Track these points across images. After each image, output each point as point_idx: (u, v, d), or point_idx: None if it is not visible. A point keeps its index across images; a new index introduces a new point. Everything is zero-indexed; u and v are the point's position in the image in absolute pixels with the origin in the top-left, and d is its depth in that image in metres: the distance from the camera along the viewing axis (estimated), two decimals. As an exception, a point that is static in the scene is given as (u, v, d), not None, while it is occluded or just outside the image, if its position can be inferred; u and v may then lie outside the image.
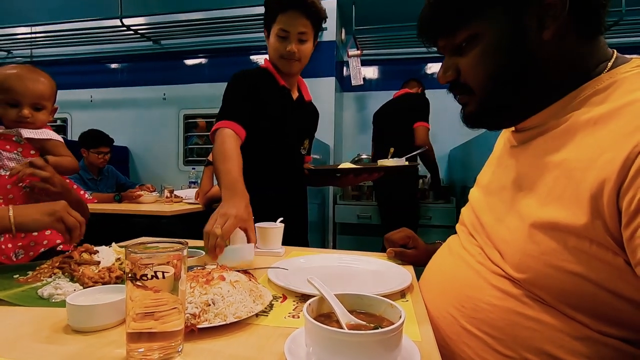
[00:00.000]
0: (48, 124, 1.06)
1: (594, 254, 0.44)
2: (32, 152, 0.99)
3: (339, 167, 1.32)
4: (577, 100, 0.52)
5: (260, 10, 3.01)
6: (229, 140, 1.07)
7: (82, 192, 1.08)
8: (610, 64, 0.52)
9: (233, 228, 0.81)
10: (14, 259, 0.88)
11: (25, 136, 0.97)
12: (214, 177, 2.37)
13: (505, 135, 0.70)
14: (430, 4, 0.59)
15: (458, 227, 0.73)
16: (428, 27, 0.61)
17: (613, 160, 0.41)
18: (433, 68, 3.35)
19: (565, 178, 0.47)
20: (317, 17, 1.19)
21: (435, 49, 0.63)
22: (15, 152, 0.96)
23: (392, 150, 1.63)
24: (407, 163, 1.42)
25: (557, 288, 0.47)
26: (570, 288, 0.46)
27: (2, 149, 0.95)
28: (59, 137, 1.05)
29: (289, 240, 1.07)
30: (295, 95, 1.33)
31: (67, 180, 1.04)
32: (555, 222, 0.46)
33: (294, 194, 1.35)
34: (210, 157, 2.40)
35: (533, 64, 0.53)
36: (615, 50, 0.54)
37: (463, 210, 0.74)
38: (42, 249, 0.92)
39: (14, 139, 0.97)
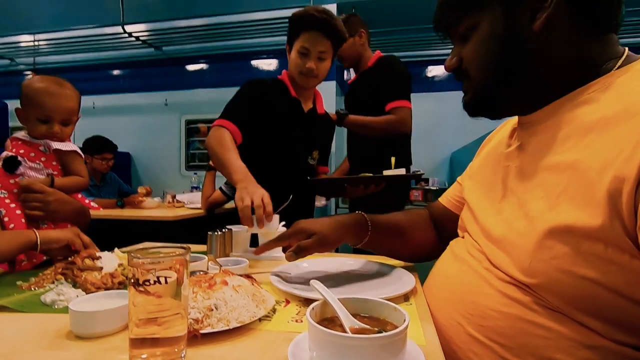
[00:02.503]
0: None
1: (609, 257, 0.42)
2: (54, 162, 1.01)
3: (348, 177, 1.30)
4: (584, 97, 0.51)
5: (261, 15, 3.04)
6: (228, 136, 1.14)
7: (87, 201, 1.09)
8: (620, 62, 0.51)
9: (271, 204, 0.91)
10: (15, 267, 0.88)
11: (54, 147, 0.99)
12: (216, 182, 2.38)
13: (506, 133, 0.69)
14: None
15: (460, 231, 0.72)
16: (439, 16, 0.65)
17: (630, 159, 0.40)
18: (434, 71, 3.35)
19: (578, 179, 0.46)
20: (338, 39, 1.25)
21: (440, 47, 0.67)
22: (37, 162, 0.98)
23: (393, 159, 1.57)
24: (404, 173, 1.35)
25: (569, 293, 0.46)
26: (583, 294, 0.44)
27: (27, 156, 0.96)
28: (80, 152, 1.06)
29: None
30: (308, 106, 1.37)
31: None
32: (568, 224, 0.45)
33: (298, 203, 1.35)
34: (212, 163, 2.41)
35: (525, 54, 0.55)
36: (627, 49, 0.54)
37: (462, 214, 0.73)
38: (45, 257, 0.92)
39: (40, 148, 0.99)
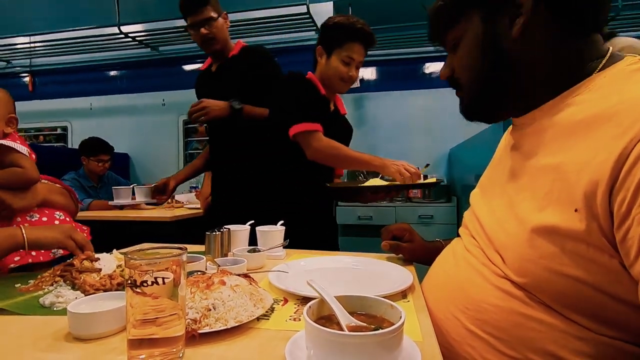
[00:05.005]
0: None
1: (590, 257, 0.43)
2: None
3: (364, 185, 1.28)
4: (570, 99, 0.52)
5: (257, 14, 3.03)
6: (327, 139, 1.26)
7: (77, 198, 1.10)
8: (603, 61, 0.52)
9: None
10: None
11: None
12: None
13: (506, 137, 0.71)
14: (429, 13, 0.65)
15: (461, 230, 0.73)
16: (430, 29, 0.67)
17: (605, 162, 0.41)
18: (431, 68, 3.34)
19: (561, 181, 0.47)
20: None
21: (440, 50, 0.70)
22: None
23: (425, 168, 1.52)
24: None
25: (556, 292, 0.47)
26: (569, 292, 0.46)
27: None
28: (10, 145, 0.98)
29: (319, 244, 1.12)
30: (331, 108, 1.44)
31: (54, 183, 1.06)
32: (552, 226, 0.46)
33: (320, 201, 1.43)
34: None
35: (507, 60, 0.56)
36: (611, 47, 0.54)
37: (465, 213, 0.74)
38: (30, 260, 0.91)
39: None
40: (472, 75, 0.61)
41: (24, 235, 0.77)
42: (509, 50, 0.55)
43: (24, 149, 1.00)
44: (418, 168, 1.23)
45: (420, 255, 0.90)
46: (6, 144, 0.97)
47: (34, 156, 1.07)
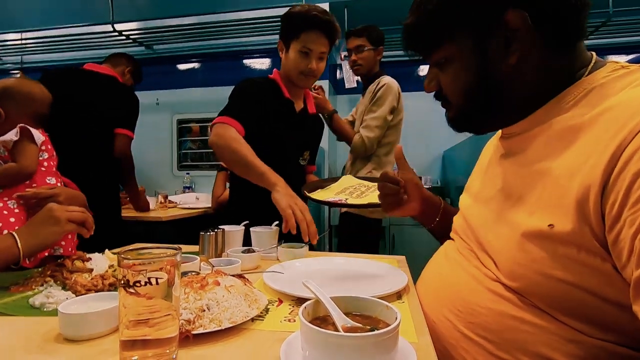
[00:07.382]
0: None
1: (582, 261, 0.44)
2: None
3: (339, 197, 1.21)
4: (559, 107, 0.53)
5: (252, 14, 3.01)
6: (238, 135, 1.12)
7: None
8: (588, 68, 0.53)
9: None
10: (27, 262, 0.87)
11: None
12: (227, 182, 2.37)
13: (493, 143, 0.71)
14: (406, 28, 0.61)
15: (452, 234, 0.73)
16: (409, 47, 0.64)
17: (595, 166, 0.42)
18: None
19: (552, 186, 0.47)
20: (335, 38, 1.25)
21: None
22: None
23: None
24: None
25: (548, 296, 0.47)
26: (560, 295, 0.46)
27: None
28: (23, 134, 1.01)
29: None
30: (299, 106, 1.36)
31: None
32: (543, 230, 0.47)
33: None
34: (223, 162, 2.39)
35: (502, 82, 0.55)
36: (594, 54, 0.55)
37: (455, 218, 0.74)
38: (47, 254, 0.91)
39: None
40: (463, 96, 0.59)
41: (19, 247, 0.72)
42: (505, 74, 0.54)
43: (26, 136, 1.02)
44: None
45: (416, 211, 0.84)
46: (22, 135, 1.01)
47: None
